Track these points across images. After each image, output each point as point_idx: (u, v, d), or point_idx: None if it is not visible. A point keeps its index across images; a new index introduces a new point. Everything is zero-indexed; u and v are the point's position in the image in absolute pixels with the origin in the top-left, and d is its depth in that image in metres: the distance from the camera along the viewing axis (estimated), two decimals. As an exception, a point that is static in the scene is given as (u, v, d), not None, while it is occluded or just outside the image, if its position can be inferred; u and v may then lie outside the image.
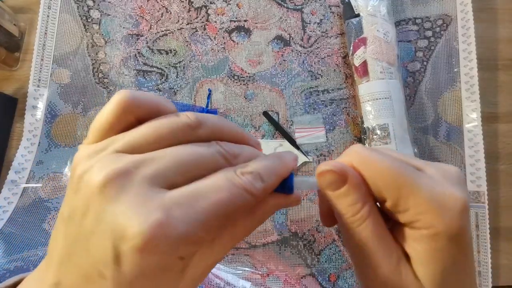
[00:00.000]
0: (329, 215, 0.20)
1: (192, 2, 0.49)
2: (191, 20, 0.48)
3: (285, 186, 0.18)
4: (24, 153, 0.45)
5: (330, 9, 0.48)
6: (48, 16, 0.48)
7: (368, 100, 0.41)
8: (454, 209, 0.16)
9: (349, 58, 0.44)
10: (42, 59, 0.47)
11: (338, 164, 0.17)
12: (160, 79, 0.47)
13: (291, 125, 0.46)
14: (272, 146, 0.45)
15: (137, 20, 0.48)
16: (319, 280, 0.42)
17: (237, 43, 0.48)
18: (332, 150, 0.45)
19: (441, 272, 0.17)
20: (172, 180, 0.14)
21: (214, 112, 0.46)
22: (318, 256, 0.43)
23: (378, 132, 0.40)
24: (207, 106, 0.46)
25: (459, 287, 0.17)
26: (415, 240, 0.17)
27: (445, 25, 0.47)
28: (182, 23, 0.48)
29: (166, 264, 0.14)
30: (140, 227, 0.13)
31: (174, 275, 0.15)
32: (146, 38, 0.48)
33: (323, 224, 0.22)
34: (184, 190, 0.14)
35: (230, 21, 0.48)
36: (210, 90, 0.46)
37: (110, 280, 0.13)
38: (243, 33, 0.48)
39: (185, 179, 0.15)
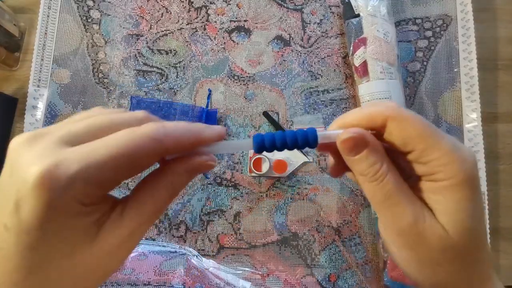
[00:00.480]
0: (339, 169, 0.21)
1: (192, 2, 0.49)
2: (191, 20, 0.48)
3: (308, 139, 0.19)
4: (24, 153, 0.45)
5: (330, 9, 0.48)
6: (48, 16, 0.48)
7: (368, 100, 0.41)
8: (472, 160, 0.18)
9: (349, 58, 0.44)
10: (42, 59, 0.47)
11: (358, 130, 0.19)
12: (160, 79, 0.47)
13: (291, 125, 0.46)
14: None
15: (137, 20, 0.48)
16: (319, 280, 0.42)
17: (237, 43, 0.48)
18: (332, 150, 0.45)
19: (464, 219, 0.18)
20: (82, 140, 0.16)
21: (214, 112, 0.46)
22: (318, 256, 0.42)
23: (378, 132, 0.40)
24: (207, 106, 0.46)
25: (479, 231, 0.18)
26: (436, 192, 0.18)
27: (445, 25, 0.47)
28: (182, 23, 0.48)
29: (64, 207, 0.15)
30: (35, 169, 0.14)
31: (81, 232, 0.16)
32: (146, 38, 0.48)
33: (331, 175, 0.23)
34: (88, 143, 0.16)
35: (230, 21, 0.48)
36: (210, 90, 0.46)
37: (13, 229, 0.14)
38: (243, 33, 0.48)
39: (95, 139, 0.16)
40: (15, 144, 0.16)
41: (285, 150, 0.20)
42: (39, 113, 0.46)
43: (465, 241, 0.18)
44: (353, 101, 0.46)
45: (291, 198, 0.44)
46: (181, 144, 0.17)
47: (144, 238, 0.44)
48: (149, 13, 0.49)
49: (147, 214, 0.17)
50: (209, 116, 0.45)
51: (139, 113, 0.18)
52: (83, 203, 0.15)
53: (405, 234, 0.18)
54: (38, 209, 0.14)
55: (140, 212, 0.17)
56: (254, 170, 0.43)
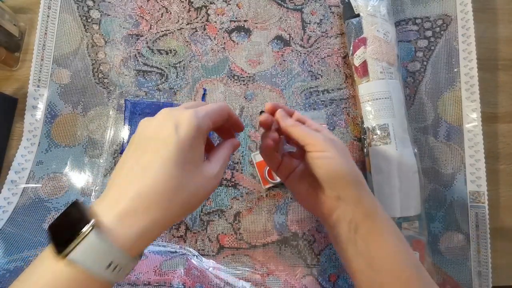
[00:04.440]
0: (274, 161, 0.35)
1: (192, 2, 0.49)
2: (191, 20, 0.48)
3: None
4: (24, 153, 0.45)
5: (330, 9, 0.48)
6: (48, 16, 0.48)
7: (368, 100, 0.41)
8: (337, 142, 0.32)
9: (349, 58, 0.44)
10: (42, 59, 0.47)
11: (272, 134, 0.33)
12: (160, 79, 0.47)
13: (291, 125, 0.45)
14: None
15: (137, 20, 0.48)
16: (319, 280, 0.42)
17: (237, 43, 0.48)
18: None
19: (327, 170, 0.30)
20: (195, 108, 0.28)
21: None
22: (318, 256, 0.42)
23: (378, 132, 0.40)
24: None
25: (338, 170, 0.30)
26: (313, 159, 0.31)
27: (445, 25, 0.47)
28: (182, 23, 0.48)
29: (201, 130, 0.25)
30: (187, 111, 0.26)
31: (201, 154, 0.26)
32: (146, 38, 0.48)
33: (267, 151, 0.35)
34: (200, 108, 0.27)
35: (230, 21, 0.48)
36: (205, 90, 0.46)
37: (173, 144, 0.24)
38: (243, 33, 0.48)
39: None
40: (163, 112, 0.27)
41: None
42: (39, 113, 0.46)
43: (328, 176, 0.30)
44: (353, 101, 0.46)
45: (291, 198, 0.44)
46: (229, 111, 0.30)
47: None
48: (149, 13, 0.49)
49: (221, 162, 0.28)
50: None
51: (202, 103, 0.32)
52: (206, 133, 0.26)
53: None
54: (191, 128, 0.25)
55: (219, 161, 0.28)
56: (270, 180, 0.43)
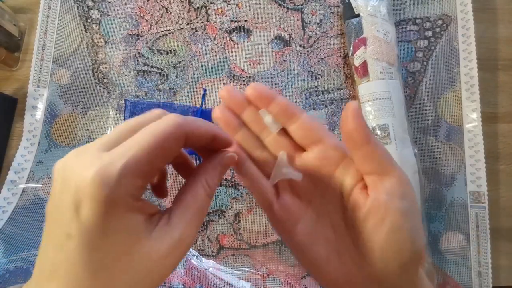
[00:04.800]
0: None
1: (192, 2, 0.49)
2: (191, 20, 0.48)
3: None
4: (24, 153, 0.45)
5: (330, 9, 0.48)
6: (48, 16, 0.48)
7: (368, 100, 0.41)
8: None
9: (349, 58, 0.44)
10: (42, 59, 0.47)
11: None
12: (160, 79, 0.47)
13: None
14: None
15: (137, 20, 0.48)
16: (319, 281, 0.42)
17: (237, 43, 0.48)
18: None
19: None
20: (117, 143, 0.17)
21: (209, 111, 0.46)
22: (318, 257, 0.42)
23: (378, 132, 0.40)
24: (201, 106, 0.46)
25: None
26: (374, 201, 0.21)
27: (445, 25, 0.47)
28: (182, 23, 0.48)
29: (120, 202, 0.16)
30: (89, 171, 0.16)
31: (136, 229, 0.17)
32: (146, 38, 0.48)
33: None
34: (123, 143, 0.17)
35: (230, 21, 0.48)
36: (205, 90, 0.46)
37: (76, 234, 0.16)
38: (243, 33, 0.48)
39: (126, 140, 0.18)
40: (61, 162, 0.17)
41: None
42: (39, 113, 0.46)
43: (390, 244, 0.20)
44: (353, 101, 0.46)
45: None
46: (199, 130, 0.19)
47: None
48: (149, 13, 0.48)
49: (192, 215, 0.19)
50: (204, 116, 0.45)
51: (157, 111, 0.20)
52: (134, 196, 0.17)
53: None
54: (98, 205, 0.15)
55: (185, 217, 0.19)
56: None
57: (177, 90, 0.47)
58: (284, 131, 0.23)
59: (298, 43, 0.47)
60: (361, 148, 0.19)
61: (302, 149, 0.23)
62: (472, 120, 0.44)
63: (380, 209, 0.19)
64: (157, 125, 0.18)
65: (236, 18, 0.48)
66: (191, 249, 0.42)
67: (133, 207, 0.17)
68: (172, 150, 0.18)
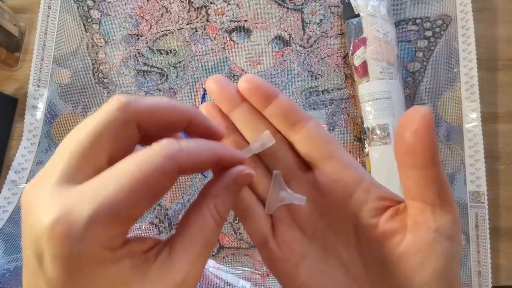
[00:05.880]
0: None
1: (192, 2, 0.49)
2: (191, 20, 0.48)
3: None
4: (24, 153, 0.45)
5: (330, 9, 0.48)
6: (48, 16, 0.48)
7: (368, 100, 0.41)
8: None
9: (349, 58, 0.44)
10: (42, 59, 0.47)
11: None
12: (160, 79, 0.47)
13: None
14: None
15: (137, 20, 0.48)
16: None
17: (237, 43, 0.48)
18: (332, 150, 0.45)
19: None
20: (83, 172, 0.14)
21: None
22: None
23: (378, 132, 0.40)
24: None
25: None
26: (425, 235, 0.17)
27: (445, 25, 0.47)
28: (182, 23, 0.48)
29: (89, 257, 0.13)
30: (46, 219, 0.12)
31: (119, 283, 0.13)
32: (146, 38, 0.48)
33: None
34: (97, 177, 0.13)
35: (230, 21, 0.48)
36: (205, 90, 0.46)
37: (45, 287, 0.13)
38: (243, 33, 0.48)
39: (94, 170, 0.14)
40: (24, 192, 0.14)
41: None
42: (39, 113, 0.46)
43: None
44: (353, 101, 0.46)
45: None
46: (200, 159, 0.15)
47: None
48: (149, 13, 0.49)
49: (198, 249, 0.15)
50: None
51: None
52: (109, 248, 0.13)
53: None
54: (60, 262, 0.12)
55: (191, 250, 0.15)
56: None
57: (177, 90, 0.47)
58: (284, 142, 0.19)
59: (298, 43, 0.47)
60: (423, 168, 0.16)
61: (306, 166, 0.19)
62: (471, 120, 0.44)
63: (423, 249, 0.16)
64: (144, 156, 0.13)
65: (236, 18, 0.48)
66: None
67: (111, 259, 0.13)
68: (161, 190, 0.14)
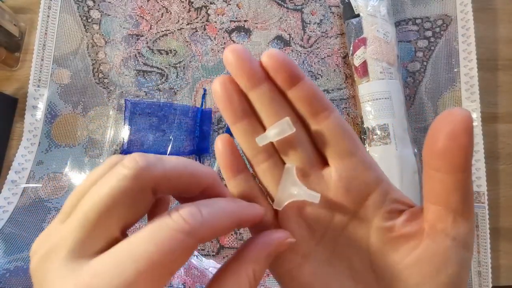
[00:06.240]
0: None
1: (192, 2, 0.49)
2: (191, 20, 0.48)
3: None
4: (24, 153, 0.45)
5: (330, 9, 0.48)
6: (48, 16, 0.48)
7: (368, 100, 0.41)
8: None
9: (349, 58, 0.44)
10: (42, 59, 0.47)
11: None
12: (160, 79, 0.47)
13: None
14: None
15: (137, 20, 0.48)
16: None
17: (237, 43, 0.48)
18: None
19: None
20: (94, 244, 0.13)
21: (208, 111, 0.46)
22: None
23: (378, 132, 0.40)
24: (201, 106, 0.46)
25: None
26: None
27: (445, 25, 0.47)
28: (182, 23, 0.48)
29: None
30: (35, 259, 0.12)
31: None
32: (146, 38, 0.48)
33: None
34: (108, 256, 0.13)
35: (230, 21, 0.48)
36: (205, 90, 0.46)
37: None
38: (243, 33, 0.48)
39: (107, 241, 0.13)
40: (36, 262, 0.13)
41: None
42: (39, 113, 0.46)
43: None
44: (353, 101, 0.46)
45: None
46: (220, 230, 0.14)
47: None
48: (149, 13, 0.49)
49: None
50: (204, 116, 0.46)
51: (112, 159, 0.15)
52: None
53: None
54: None
55: None
56: None
57: (177, 90, 0.47)
58: (303, 133, 0.17)
59: (298, 43, 0.47)
60: (454, 173, 0.15)
61: (323, 161, 0.18)
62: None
63: (439, 256, 0.15)
64: (161, 231, 0.13)
65: (236, 18, 0.48)
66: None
67: None
68: (181, 264, 0.13)
